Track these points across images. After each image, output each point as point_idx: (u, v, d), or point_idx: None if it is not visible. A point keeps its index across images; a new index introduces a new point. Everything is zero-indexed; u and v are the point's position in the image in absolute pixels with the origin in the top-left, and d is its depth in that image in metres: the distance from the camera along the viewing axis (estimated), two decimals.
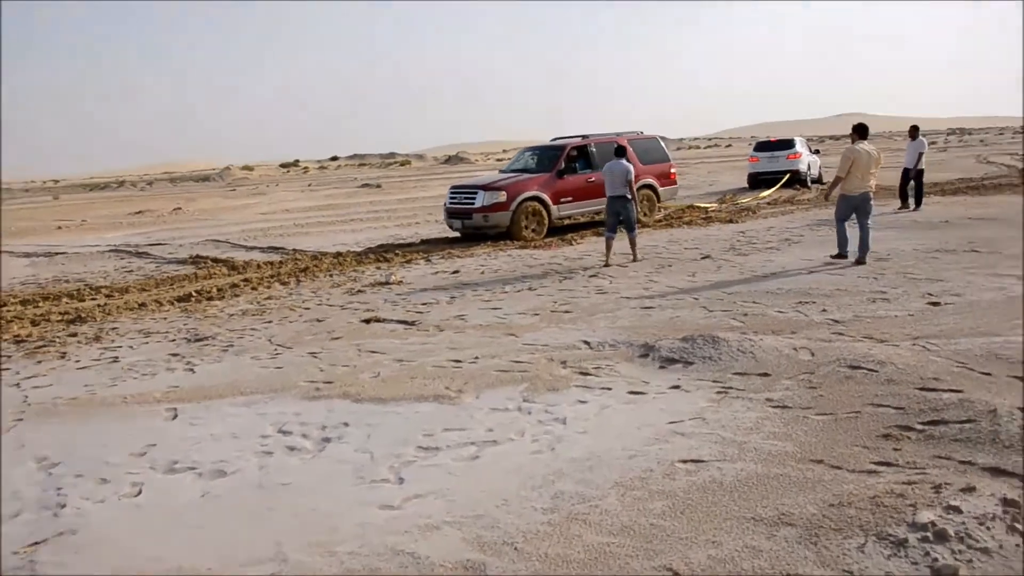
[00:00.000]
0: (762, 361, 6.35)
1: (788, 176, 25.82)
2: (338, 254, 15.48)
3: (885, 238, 13.32)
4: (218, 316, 10.19)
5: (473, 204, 15.63)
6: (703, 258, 12.19)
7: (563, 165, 16.28)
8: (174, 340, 8.93)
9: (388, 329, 8.77)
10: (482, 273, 12.07)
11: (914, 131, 18.07)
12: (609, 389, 6.05)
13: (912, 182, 17.54)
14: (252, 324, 9.54)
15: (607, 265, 12.11)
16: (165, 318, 10.29)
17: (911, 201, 17.50)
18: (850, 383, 5.71)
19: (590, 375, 6.45)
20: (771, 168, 26.54)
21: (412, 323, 8.97)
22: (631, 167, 12.38)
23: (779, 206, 20.53)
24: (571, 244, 14.82)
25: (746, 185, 28.12)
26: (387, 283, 11.70)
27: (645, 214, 16.93)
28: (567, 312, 8.94)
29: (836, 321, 7.69)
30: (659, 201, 17.81)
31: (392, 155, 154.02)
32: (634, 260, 12.39)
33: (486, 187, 15.73)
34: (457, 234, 16.62)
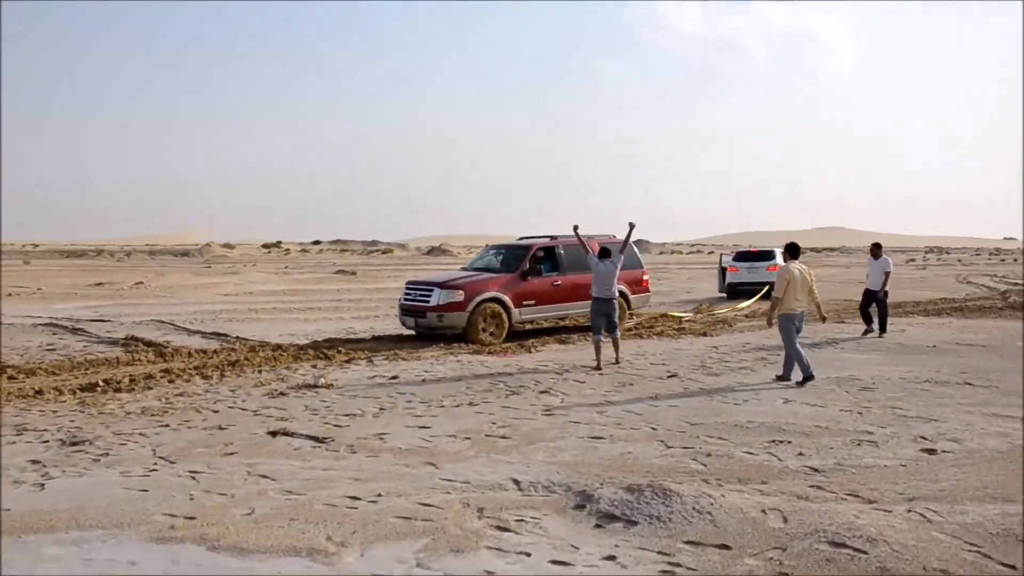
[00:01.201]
0: (722, 526, 5.08)
1: (767, 288, 24.93)
2: (278, 347, 14.23)
3: (869, 363, 12.23)
4: (114, 414, 8.90)
5: (428, 302, 14.48)
6: (669, 376, 11.01)
7: (528, 266, 15.21)
8: (47, 442, 7.63)
9: (293, 446, 7.47)
10: (423, 381, 10.82)
11: (876, 249, 16.53)
12: (527, 555, 4.76)
13: (875, 304, 15.91)
14: (145, 427, 8.23)
15: (598, 368, 11.78)
16: (55, 411, 9.01)
17: (875, 324, 15.79)
18: (831, 568, 4.46)
19: (509, 531, 5.15)
20: (750, 279, 25.69)
21: (323, 440, 7.68)
22: (617, 269, 12.47)
23: (756, 319, 19.47)
24: (529, 352, 13.61)
25: (723, 295, 27.24)
26: (315, 386, 10.43)
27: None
28: (504, 438, 7.68)
29: (815, 470, 6.46)
30: (629, 309, 16.71)
31: (375, 242, 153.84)
32: (616, 362, 12.16)
33: (443, 284, 14.61)
34: (412, 332, 15.40)
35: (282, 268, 55.45)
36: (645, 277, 17.44)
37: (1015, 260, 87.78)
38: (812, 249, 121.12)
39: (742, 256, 27.19)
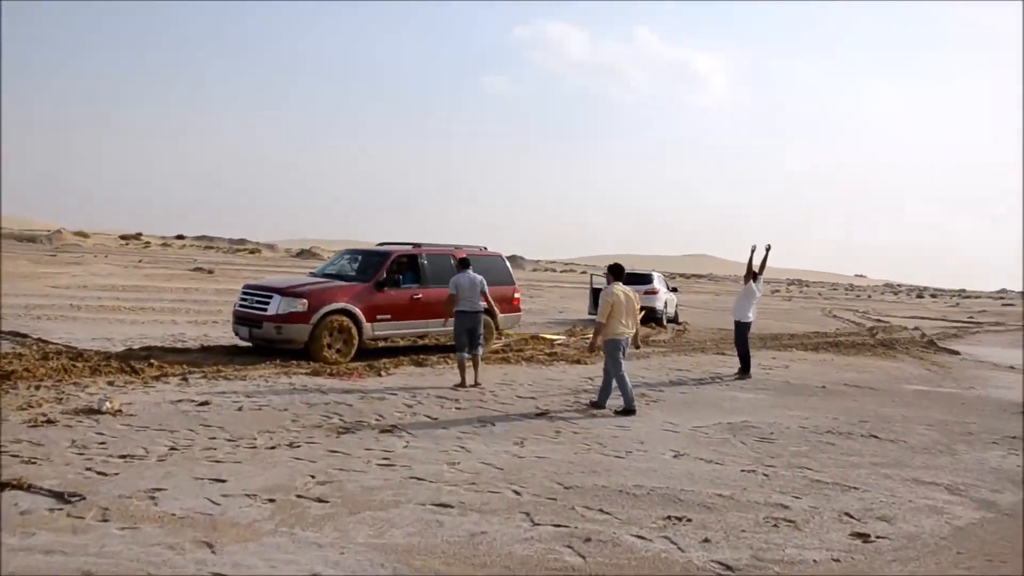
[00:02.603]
0: None
1: (643, 313, 23.80)
2: (79, 355, 11.77)
3: (759, 405, 10.93)
4: None
5: (265, 310, 12.34)
6: (539, 415, 9.32)
7: (385, 275, 13.25)
8: None
9: (21, 508, 5.34)
10: (239, 409, 8.73)
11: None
12: None
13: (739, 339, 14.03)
14: None
15: (463, 386, 10.92)
16: None
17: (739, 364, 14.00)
18: None
19: None
20: None
21: (70, 498, 5.55)
22: (483, 279, 11.40)
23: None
24: (379, 374, 11.65)
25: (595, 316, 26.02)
26: (99, 411, 8.22)
27: (481, 344, 14.10)
28: (320, 501, 5.76)
29: (728, 567, 4.86)
30: (498, 329, 15.00)
31: (243, 241, 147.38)
32: (475, 384, 11.08)
33: (284, 291, 12.48)
34: (248, 344, 13.19)
35: (137, 261, 51.22)
36: (516, 295, 15.78)
37: (869, 296, 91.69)
38: (681, 275, 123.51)
39: None
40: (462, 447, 7.57)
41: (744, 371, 13.76)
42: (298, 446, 7.29)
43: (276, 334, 12.18)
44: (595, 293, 26.39)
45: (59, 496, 5.61)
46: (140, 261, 52.44)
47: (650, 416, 9.69)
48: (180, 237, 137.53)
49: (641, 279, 25.39)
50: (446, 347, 14.36)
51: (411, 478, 6.42)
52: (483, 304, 11.44)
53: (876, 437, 9.06)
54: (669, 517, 5.71)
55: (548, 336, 17.91)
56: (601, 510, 5.81)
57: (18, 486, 5.76)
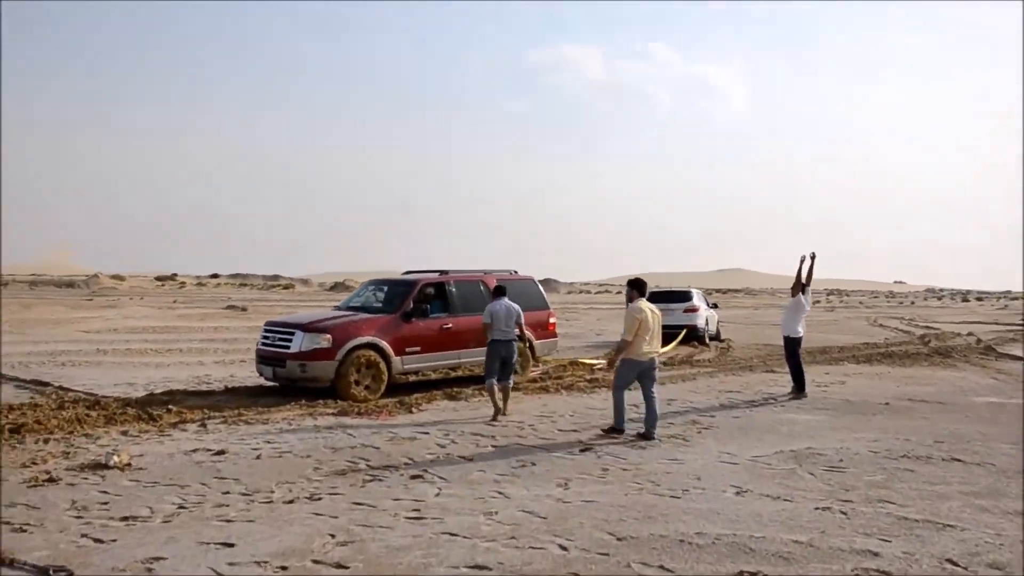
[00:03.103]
0: None
1: (684, 332, 22.96)
2: (96, 402, 11.29)
3: (821, 427, 10.06)
4: None
5: (288, 348, 11.73)
6: (583, 450, 8.55)
7: (412, 305, 12.61)
8: None
9: None
10: (258, 457, 8.07)
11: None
12: None
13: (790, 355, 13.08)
14: None
15: (501, 414, 10.54)
16: None
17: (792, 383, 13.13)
18: None
19: None
20: (666, 321, 23.58)
21: (57, 573, 4.93)
22: (519, 308, 11.00)
23: (676, 367, 17.36)
24: (411, 411, 10.97)
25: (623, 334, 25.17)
26: (107, 466, 7.62)
27: (516, 372, 13.38)
28: (340, 567, 5.04)
29: None
30: (534, 357, 14.27)
31: (276, 277, 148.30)
32: (503, 414, 10.58)
33: (307, 327, 11.88)
34: (273, 383, 12.58)
35: (171, 302, 51.23)
36: (552, 320, 15.04)
37: (912, 303, 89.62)
38: (717, 290, 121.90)
39: (655, 296, 25.14)
40: (500, 492, 6.83)
41: (798, 389, 12.88)
42: (319, 499, 6.60)
43: (300, 372, 11.56)
44: None
45: (43, 572, 4.97)
46: (175, 302, 52.45)
47: (704, 446, 8.88)
48: (215, 276, 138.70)
49: (680, 297, 24.57)
50: (480, 378, 13.66)
51: (443, 533, 5.69)
52: (517, 332, 10.83)
53: (959, 460, 8.17)
54: (742, 573, 4.92)
55: (587, 361, 17.11)
56: (662, 567, 5.03)
57: (2, 560, 5.14)
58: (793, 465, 7.90)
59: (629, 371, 9.50)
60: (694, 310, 23.78)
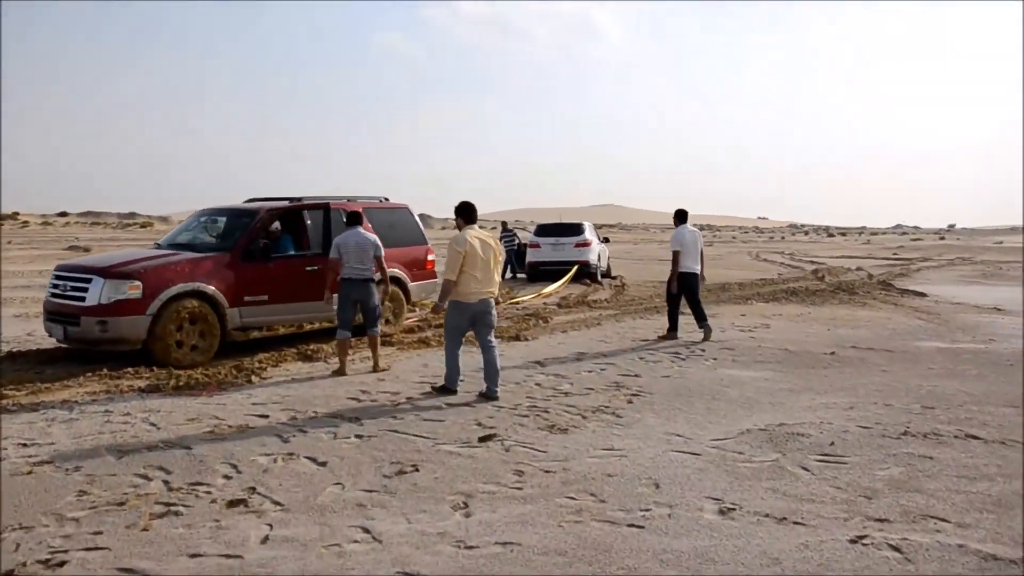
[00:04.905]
0: None
1: (576, 268, 20.89)
2: None
3: (774, 389, 8.05)
4: None
5: (84, 300, 8.80)
6: (483, 440, 6.14)
7: (254, 241, 9.81)
8: None
9: None
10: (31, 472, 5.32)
11: (683, 216, 11.89)
12: None
13: (684, 294, 11.48)
14: None
15: (342, 374, 8.61)
16: None
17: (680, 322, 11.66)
18: None
19: None
20: (556, 257, 21.52)
21: None
22: (378, 239, 8.84)
23: (574, 310, 15.20)
24: (250, 379, 8.30)
25: (523, 275, 22.97)
26: None
27: (388, 320, 10.85)
28: None
29: None
30: (409, 302, 11.70)
31: (132, 215, 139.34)
32: (375, 369, 8.79)
33: (108, 271, 8.91)
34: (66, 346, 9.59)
35: (4, 243, 45.58)
36: (431, 257, 12.50)
37: (782, 238, 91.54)
38: (595, 225, 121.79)
39: (545, 230, 22.96)
40: (365, 529, 4.35)
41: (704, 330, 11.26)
42: (62, 562, 3.96)
43: (100, 332, 8.65)
44: (520, 250, 23.39)
45: None
46: (9, 243, 46.83)
47: (643, 424, 6.64)
48: (63, 214, 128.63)
49: (571, 230, 22.46)
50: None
51: None
52: (376, 270, 8.61)
53: (976, 438, 6.22)
54: None
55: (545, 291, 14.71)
56: None
57: None
58: (774, 454, 5.76)
59: (458, 317, 7.65)
60: (586, 244, 21.74)
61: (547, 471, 5.34)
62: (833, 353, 10.18)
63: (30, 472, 5.24)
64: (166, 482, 5.07)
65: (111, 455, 5.63)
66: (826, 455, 5.74)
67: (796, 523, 4.44)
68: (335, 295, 8.83)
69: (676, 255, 11.37)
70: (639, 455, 5.73)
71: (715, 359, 9.81)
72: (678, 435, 6.29)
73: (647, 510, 4.64)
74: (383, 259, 8.82)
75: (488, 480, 5.16)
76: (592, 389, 7.97)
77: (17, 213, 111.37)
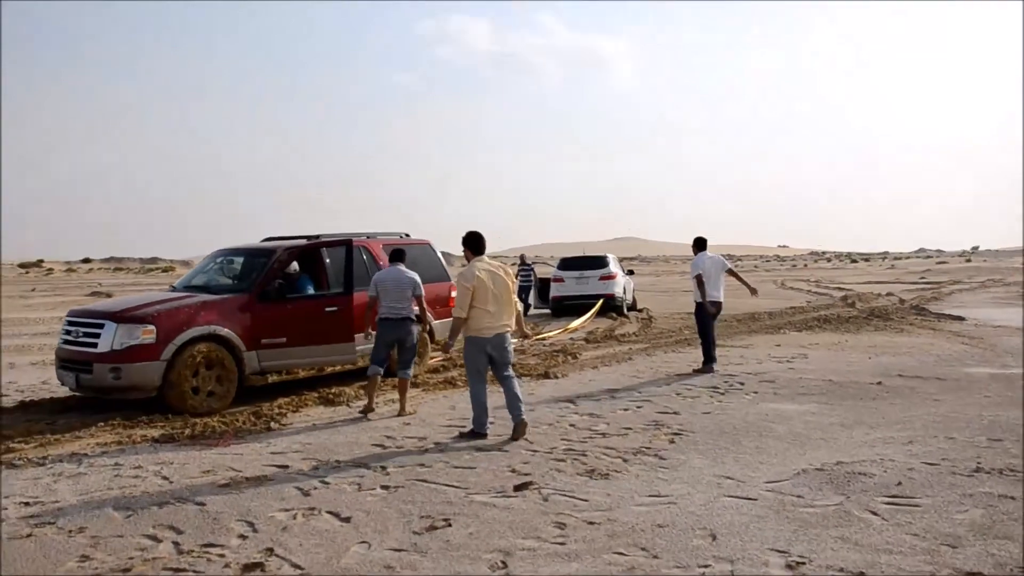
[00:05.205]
0: None
1: (602, 302, 20.44)
2: None
3: (822, 424, 7.54)
4: None
5: (96, 346, 8.46)
6: (519, 488, 5.69)
7: (272, 282, 9.45)
8: None
9: None
10: None
11: (702, 244, 11.52)
12: None
13: (704, 325, 11.15)
14: None
15: (369, 410, 8.38)
16: None
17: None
18: None
19: None
20: (581, 291, 21.09)
21: None
22: (417, 278, 8.53)
23: (603, 344, 14.75)
24: (269, 427, 7.90)
25: (547, 311, 22.51)
26: None
27: (416, 361, 10.43)
28: None
29: None
30: (433, 340, 11.29)
31: (155, 260, 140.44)
32: (401, 413, 8.33)
33: (121, 315, 8.57)
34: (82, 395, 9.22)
35: (28, 291, 45.64)
36: (454, 294, 12.08)
37: (805, 265, 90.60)
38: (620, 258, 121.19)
39: (568, 264, 22.56)
40: None
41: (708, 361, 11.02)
42: None
43: (113, 380, 8.28)
44: (541, 283, 22.97)
45: None
46: (33, 290, 46.96)
47: (689, 466, 6.17)
48: (86, 261, 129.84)
49: (595, 263, 22.07)
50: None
51: None
52: (414, 309, 8.23)
53: None
54: None
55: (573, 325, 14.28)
56: None
57: None
58: (836, 497, 5.27)
59: (476, 354, 7.29)
60: (611, 277, 21.30)
61: (591, 523, 4.88)
62: (880, 383, 9.66)
63: (30, 535, 4.84)
64: (176, 543, 4.66)
65: (119, 513, 5.23)
66: (894, 496, 5.24)
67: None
68: (372, 332, 8.62)
69: (699, 279, 10.99)
70: (689, 501, 5.26)
71: (755, 392, 9.32)
72: (729, 478, 5.81)
73: (706, 566, 4.17)
74: (423, 298, 8.54)
75: (527, 535, 4.70)
76: (630, 429, 7.50)
77: (42, 260, 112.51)
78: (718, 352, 11.40)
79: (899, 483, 5.52)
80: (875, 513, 4.94)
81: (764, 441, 6.92)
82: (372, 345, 8.65)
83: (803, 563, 4.17)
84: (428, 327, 9.94)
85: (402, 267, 8.50)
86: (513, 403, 7.29)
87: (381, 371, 8.48)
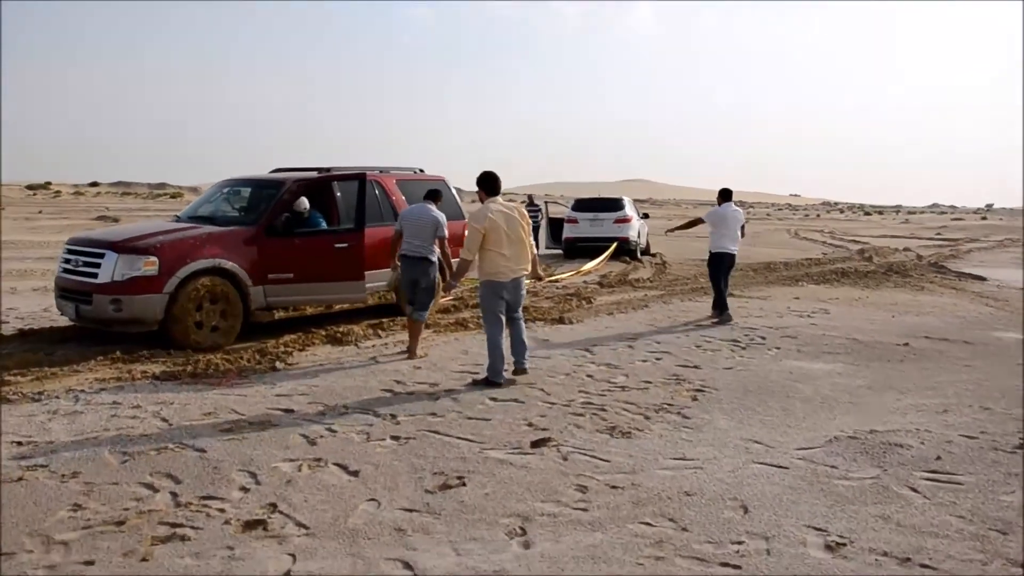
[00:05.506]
0: None
1: (616, 245, 20.05)
2: None
3: (851, 387, 7.22)
4: None
5: (96, 276, 8.14)
6: (536, 444, 5.39)
7: (279, 216, 9.08)
8: None
9: None
10: None
11: (727, 195, 11.36)
12: None
13: (713, 275, 11.03)
14: None
15: (413, 355, 8.07)
16: None
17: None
18: None
19: None
20: (594, 234, 20.67)
21: None
22: (443, 219, 8.10)
23: (617, 289, 14.41)
24: (274, 367, 7.62)
25: (559, 251, 22.09)
26: None
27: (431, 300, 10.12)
28: None
29: None
30: (445, 280, 10.94)
31: (163, 185, 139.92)
32: (411, 356, 8.05)
33: (122, 245, 8.23)
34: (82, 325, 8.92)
35: (34, 213, 45.33)
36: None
37: (817, 216, 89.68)
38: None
39: (583, 205, 22.10)
40: (404, 562, 3.65)
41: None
42: None
43: (113, 312, 7.99)
44: (553, 224, 22.55)
45: None
46: (39, 212, 46.64)
47: (715, 428, 5.87)
48: (94, 184, 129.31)
49: (610, 205, 21.63)
50: (380, 308, 10.38)
51: None
52: (435, 250, 8.02)
53: None
54: None
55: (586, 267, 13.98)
56: None
57: None
58: (873, 470, 4.97)
59: (494, 298, 7.06)
60: (626, 220, 20.89)
61: (614, 487, 4.60)
62: (907, 344, 9.32)
63: (21, 479, 4.58)
64: (174, 494, 4.39)
65: (115, 457, 4.96)
66: (934, 472, 4.94)
67: (924, 566, 3.68)
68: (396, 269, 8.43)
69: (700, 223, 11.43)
70: (717, 467, 4.97)
71: (778, 348, 9.00)
72: (757, 442, 5.51)
73: (740, 543, 3.88)
74: (445, 240, 8.12)
75: (547, 498, 4.42)
76: (650, 383, 7.20)
77: (49, 183, 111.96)
78: (737, 303, 11.07)
79: (938, 457, 5.22)
80: (915, 490, 4.64)
81: (790, 402, 6.62)
82: (382, 283, 8.35)
83: (844, 544, 3.88)
84: (448, 270, 9.60)
85: (430, 206, 8.12)
86: (518, 348, 7.23)
87: (420, 317, 8.15)
